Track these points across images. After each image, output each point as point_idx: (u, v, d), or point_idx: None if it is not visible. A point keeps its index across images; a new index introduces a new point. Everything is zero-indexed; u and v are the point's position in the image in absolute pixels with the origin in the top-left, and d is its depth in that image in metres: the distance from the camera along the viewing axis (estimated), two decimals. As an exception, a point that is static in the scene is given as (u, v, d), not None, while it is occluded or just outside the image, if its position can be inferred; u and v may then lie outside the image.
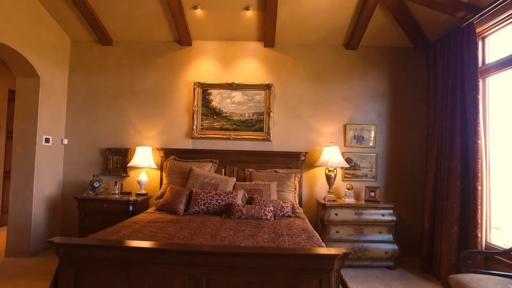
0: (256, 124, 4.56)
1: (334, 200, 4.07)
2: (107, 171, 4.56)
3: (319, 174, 4.49)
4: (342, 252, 1.85)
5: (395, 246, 3.84)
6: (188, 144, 4.58)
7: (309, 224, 3.28)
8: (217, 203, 3.63)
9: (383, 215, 3.88)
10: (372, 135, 4.51)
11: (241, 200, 3.76)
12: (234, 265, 1.90)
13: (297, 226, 3.09)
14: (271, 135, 4.52)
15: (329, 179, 4.18)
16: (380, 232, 3.88)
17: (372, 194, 4.18)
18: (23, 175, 4.05)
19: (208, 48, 4.66)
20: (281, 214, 3.59)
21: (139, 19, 4.30)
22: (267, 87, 4.55)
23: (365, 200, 4.21)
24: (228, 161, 4.46)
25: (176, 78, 4.65)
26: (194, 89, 4.56)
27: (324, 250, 2.00)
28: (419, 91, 4.51)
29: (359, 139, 4.52)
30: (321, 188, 4.48)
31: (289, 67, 4.62)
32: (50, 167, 4.35)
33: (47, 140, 4.25)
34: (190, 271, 1.92)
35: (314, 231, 2.96)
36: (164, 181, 4.26)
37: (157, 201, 4.07)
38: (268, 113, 4.53)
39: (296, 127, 4.57)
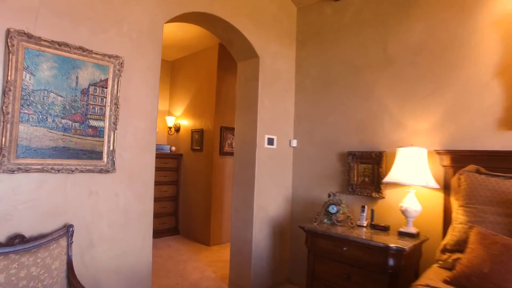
0: None
1: None
2: (350, 187, 2.94)
3: None
4: None
5: None
6: (504, 142, 2.24)
7: None
8: None
9: None
10: None
11: None
12: None
13: None
14: None
15: None
16: None
17: None
18: (243, 187, 3.10)
19: None
20: None
21: None
22: None
23: None
24: None
25: (465, 19, 2.43)
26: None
27: None
28: None
29: None
30: None
31: None
32: (275, 178, 3.21)
33: (270, 142, 3.14)
34: None
35: None
36: (458, 215, 2.12)
37: (446, 256, 2.02)
38: None
39: None
